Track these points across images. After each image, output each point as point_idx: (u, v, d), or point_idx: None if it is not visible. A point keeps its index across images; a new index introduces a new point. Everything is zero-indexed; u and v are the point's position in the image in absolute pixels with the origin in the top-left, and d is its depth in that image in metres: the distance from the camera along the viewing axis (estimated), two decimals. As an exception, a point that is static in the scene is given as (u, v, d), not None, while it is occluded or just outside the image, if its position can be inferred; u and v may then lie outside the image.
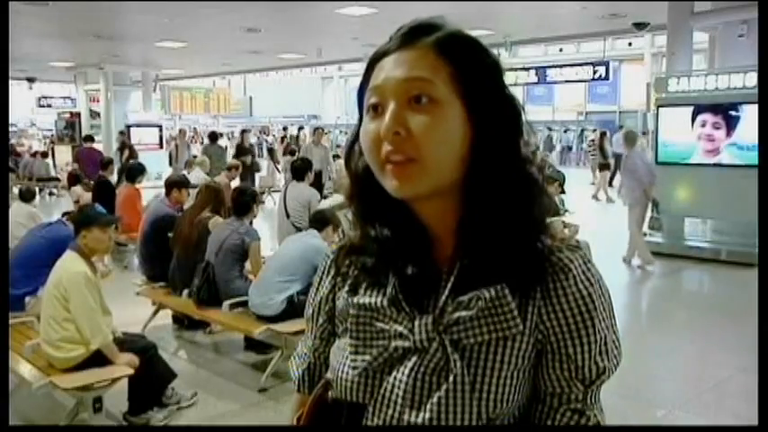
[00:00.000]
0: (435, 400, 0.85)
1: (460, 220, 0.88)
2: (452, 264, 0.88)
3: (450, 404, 0.84)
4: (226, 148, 15.10)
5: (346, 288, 0.96)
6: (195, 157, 12.70)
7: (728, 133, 7.86)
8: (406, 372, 0.87)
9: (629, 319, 5.92)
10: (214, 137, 12.98)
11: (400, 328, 0.87)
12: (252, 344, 4.82)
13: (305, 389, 1.07)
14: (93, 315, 3.47)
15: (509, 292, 0.84)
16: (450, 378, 0.84)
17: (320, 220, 4.60)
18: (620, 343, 0.92)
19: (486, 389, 0.85)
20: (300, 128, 26.30)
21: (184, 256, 5.07)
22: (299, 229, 5.80)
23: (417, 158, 0.83)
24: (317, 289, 1.04)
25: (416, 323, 0.86)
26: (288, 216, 6.32)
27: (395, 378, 0.88)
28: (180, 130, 17.77)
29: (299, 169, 6.67)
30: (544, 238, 0.88)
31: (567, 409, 0.89)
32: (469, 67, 0.86)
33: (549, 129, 25.08)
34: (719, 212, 8.12)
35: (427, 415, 0.85)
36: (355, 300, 0.92)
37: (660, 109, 8.50)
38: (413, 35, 0.87)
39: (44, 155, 17.37)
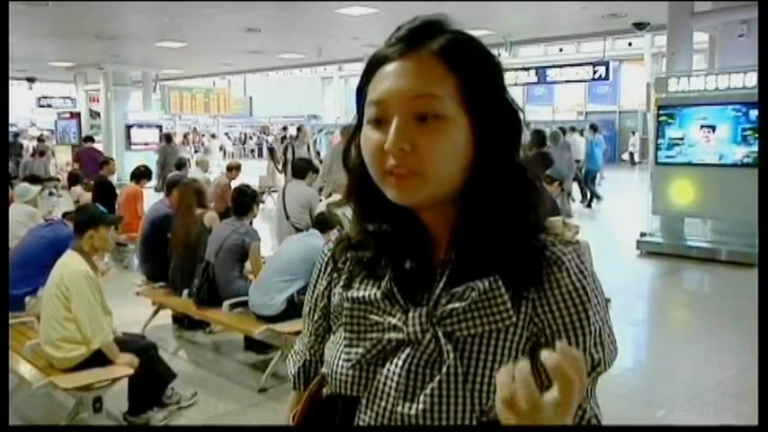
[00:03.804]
0: (428, 391, 0.85)
1: (458, 222, 0.88)
2: (448, 258, 0.89)
3: (444, 396, 0.84)
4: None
5: (341, 283, 0.97)
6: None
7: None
8: (400, 364, 0.87)
9: (630, 319, 5.91)
10: (169, 138, 14.67)
11: (394, 321, 0.88)
12: (252, 344, 4.82)
13: (301, 386, 1.07)
14: (95, 314, 3.47)
15: (502, 284, 0.84)
16: (443, 370, 0.85)
17: (323, 222, 4.61)
18: (615, 338, 0.92)
19: (480, 380, 0.85)
20: (300, 128, 26.24)
21: (184, 257, 5.07)
22: (298, 230, 5.78)
23: (421, 172, 0.83)
24: (314, 286, 1.04)
25: (410, 315, 0.87)
26: (287, 217, 6.30)
27: (388, 370, 0.88)
28: (299, 128, 13.33)
29: (300, 169, 6.69)
30: (540, 236, 0.88)
31: None
32: (475, 75, 0.85)
33: (550, 129, 25.07)
34: (719, 212, 8.12)
35: (420, 406, 0.85)
36: (349, 293, 0.92)
37: (660, 109, 8.50)
38: (415, 38, 0.86)
39: (41, 154, 17.35)
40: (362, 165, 0.90)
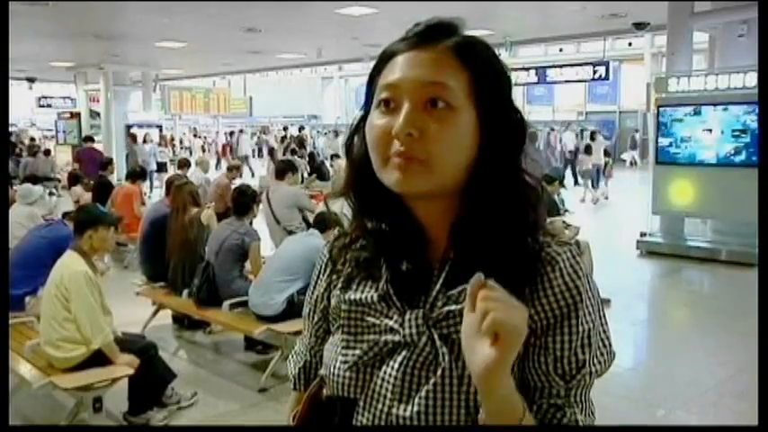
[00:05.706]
0: (423, 393, 0.85)
1: (456, 221, 0.88)
2: (444, 261, 0.89)
3: (438, 398, 0.85)
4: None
5: (339, 284, 0.97)
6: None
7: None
8: (396, 366, 0.87)
9: (630, 319, 5.91)
10: (134, 137, 15.63)
11: (390, 323, 0.88)
12: (252, 344, 4.82)
13: (301, 387, 1.07)
14: (95, 314, 3.47)
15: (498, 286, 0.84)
16: (438, 372, 0.85)
17: (323, 222, 4.60)
18: (610, 343, 0.91)
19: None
20: (301, 128, 26.23)
21: (183, 256, 5.07)
22: (291, 233, 5.71)
23: (426, 160, 0.83)
24: (314, 287, 1.04)
25: (406, 317, 0.87)
26: (278, 222, 6.23)
27: (384, 372, 0.88)
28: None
29: (280, 170, 6.70)
30: (538, 237, 0.88)
31: (546, 404, 0.87)
32: (486, 74, 0.87)
33: (551, 129, 25.10)
34: (719, 212, 8.12)
35: (415, 409, 0.85)
36: (347, 295, 0.93)
37: (660, 109, 8.50)
38: (431, 34, 0.87)
39: (47, 153, 17.38)
40: (365, 156, 0.90)
